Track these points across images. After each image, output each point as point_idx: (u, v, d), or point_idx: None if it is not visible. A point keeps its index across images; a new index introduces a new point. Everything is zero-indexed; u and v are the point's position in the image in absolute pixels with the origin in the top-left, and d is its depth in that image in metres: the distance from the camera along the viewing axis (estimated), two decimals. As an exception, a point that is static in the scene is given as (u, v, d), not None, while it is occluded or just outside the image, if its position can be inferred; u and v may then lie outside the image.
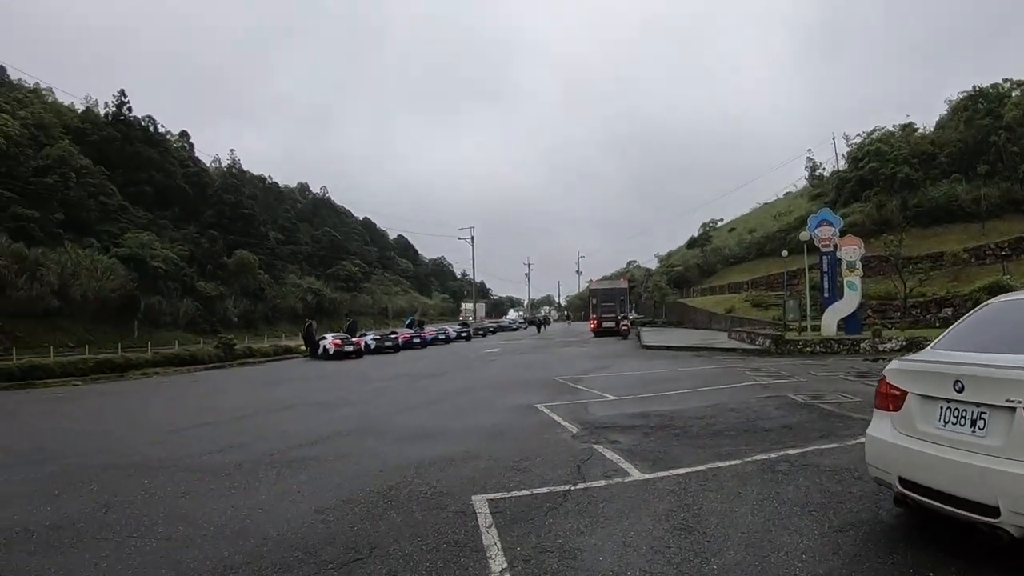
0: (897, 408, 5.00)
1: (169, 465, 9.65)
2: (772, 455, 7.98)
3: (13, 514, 7.12)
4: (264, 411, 16.33)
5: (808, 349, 24.88)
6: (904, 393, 4.95)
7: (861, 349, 23.82)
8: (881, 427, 5.15)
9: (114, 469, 9.55)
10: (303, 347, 46.33)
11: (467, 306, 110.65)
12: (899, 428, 4.93)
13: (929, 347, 5.50)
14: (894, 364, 5.31)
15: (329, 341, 41.54)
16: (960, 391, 4.44)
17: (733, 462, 7.77)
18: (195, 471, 9.14)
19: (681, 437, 9.51)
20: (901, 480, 4.79)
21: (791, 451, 8.13)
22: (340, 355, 40.12)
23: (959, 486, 4.30)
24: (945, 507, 4.42)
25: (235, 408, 17.26)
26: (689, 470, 7.52)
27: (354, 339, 43.58)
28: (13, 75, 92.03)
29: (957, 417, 4.47)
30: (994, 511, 4.03)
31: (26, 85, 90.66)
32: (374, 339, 47.38)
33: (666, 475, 7.38)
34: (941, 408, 4.60)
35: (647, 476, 7.41)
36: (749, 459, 7.84)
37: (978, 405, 4.33)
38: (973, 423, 4.34)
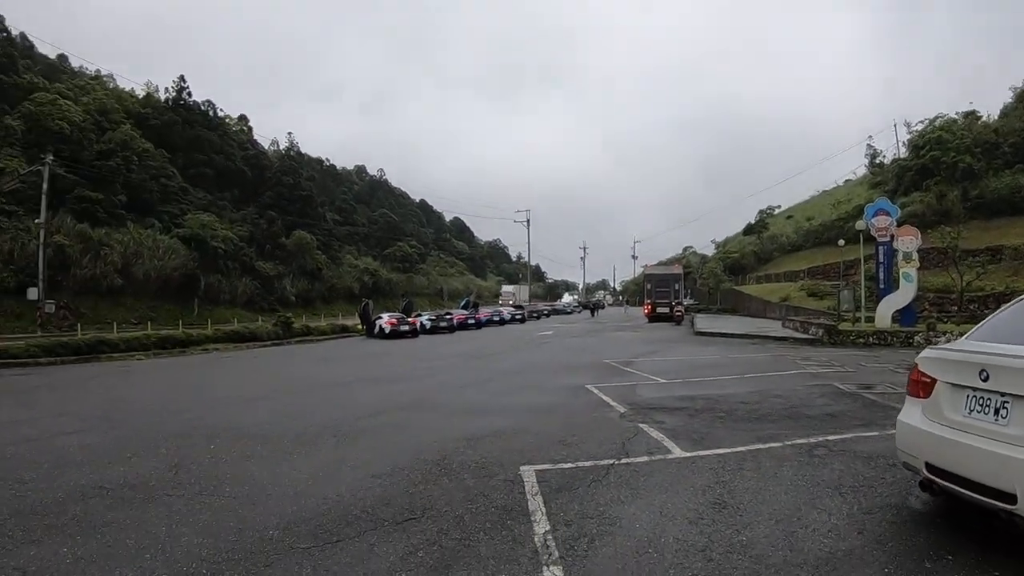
0: (927, 395, 5.10)
1: (233, 433, 10.20)
2: (811, 440, 8.19)
3: (89, 474, 7.66)
4: (322, 386, 16.87)
5: (861, 340, 24.65)
6: (934, 381, 5.06)
7: (915, 342, 23.30)
8: (911, 413, 5.26)
9: (182, 435, 10.08)
10: (359, 326, 46.58)
11: (507, 288, 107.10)
12: (928, 415, 5.04)
13: (964, 337, 5.61)
14: (926, 352, 5.41)
15: (385, 320, 41.89)
16: (985, 380, 4.54)
17: (773, 445, 8.01)
18: (258, 438, 9.66)
19: (725, 420, 9.78)
20: (928, 466, 4.90)
21: (830, 437, 8.32)
22: (396, 334, 40.47)
23: (980, 473, 4.41)
24: (967, 493, 4.53)
25: (295, 383, 17.88)
26: (729, 450, 7.80)
27: (409, 319, 43.93)
28: (75, 63, 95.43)
29: (982, 405, 4.58)
30: (1011, 498, 4.14)
31: (88, 72, 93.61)
32: (429, 319, 47.70)
33: (706, 454, 7.67)
34: (967, 396, 4.71)
35: (688, 454, 7.72)
36: (788, 443, 8.07)
37: (1001, 394, 4.43)
38: (996, 412, 4.45)
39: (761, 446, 7.96)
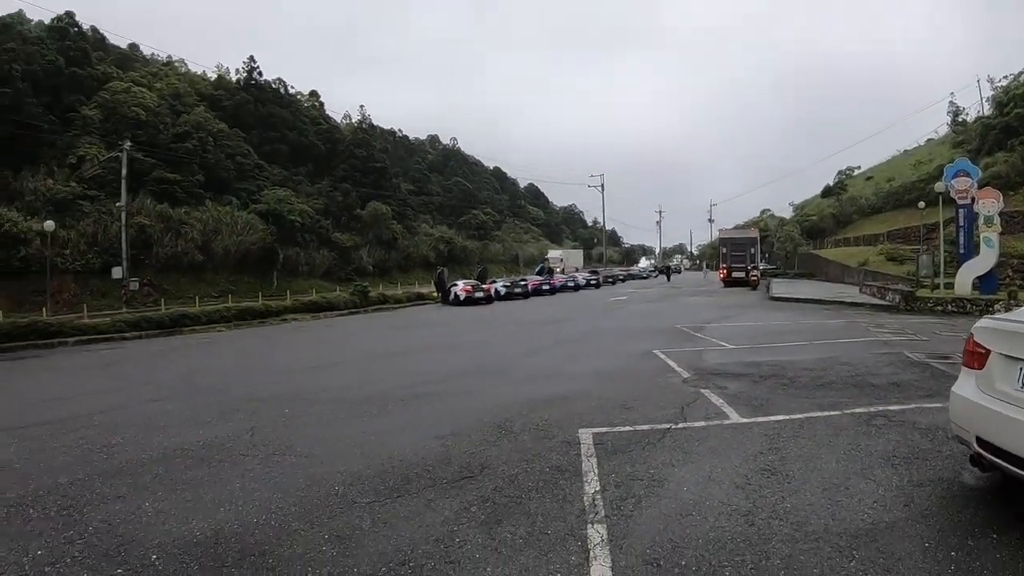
0: (981, 367, 4.91)
1: (307, 398, 10.73)
2: (872, 409, 8.12)
3: (170, 437, 8.22)
4: (394, 353, 17.31)
5: (939, 308, 23.93)
6: (988, 352, 4.86)
7: (995, 311, 21.98)
8: (965, 385, 5.05)
9: (257, 400, 10.65)
10: (435, 293, 47.18)
11: (553, 254, 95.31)
12: (981, 387, 4.85)
13: None
14: (982, 322, 5.19)
15: (460, 287, 42.25)
16: None
17: (831, 413, 7.99)
18: (330, 402, 10.16)
19: (788, 387, 9.78)
20: (978, 440, 4.72)
21: (892, 407, 8.23)
22: (470, 301, 40.87)
23: None
24: (1013, 469, 4.37)
25: (368, 350, 18.38)
26: (786, 417, 7.84)
27: (484, 286, 44.29)
28: (146, 51, 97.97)
29: (1036, 380, 4.36)
30: None
31: (159, 59, 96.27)
32: (504, 286, 48.00)
33: (763, 420, 7.75)
34: (1021, 369, 4.50)
35: (745, 420, 7.81)
36: (848, 411, 8.03)
37: None
38: (1049, 386, 4.22)
39: (820, 414, 7.96)
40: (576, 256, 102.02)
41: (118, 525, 5.26)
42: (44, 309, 36.06)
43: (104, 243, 48.32)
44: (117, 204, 44.24)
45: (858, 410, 8.09)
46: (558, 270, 73.21)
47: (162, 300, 44.64)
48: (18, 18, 70.39)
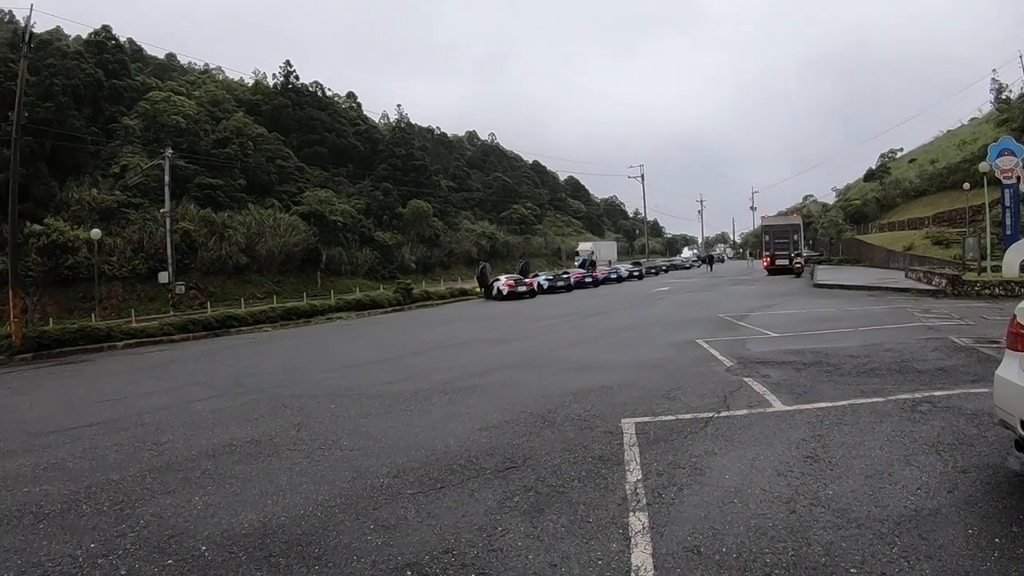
0: None
1: (353, 393, 10.94)
2: (917, 395, 8.03)
3: (219, 434, 8.48)
4: (439, 347, 17.50)
5: (986, 291, 23.33)
6: None
7: None
8: (1009, 368, 4.88)
9: (305, 397, 10.91)
10: (478, 289, 47.45)
11: (584, 246, 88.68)
12: None
13: None
14: None
15: (503, 282, 42.49)
16: None
17: (875, 399, 7.93)
18: (375, 397, 10.37)
19: (832, 374, 9.71)
20: (1023, 423, 4.59)
21: (937, 393, 8.12)
22: (513, 295, 41.07)
23: None
24: None
25: (412, 346, 18.53)
26: (830, 404, 7.80)
27: (527, 280, 44.40)
28: (183, 60, 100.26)
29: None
30: None
31: (197, 67, 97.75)
32: (546, 279, 47.99)
33: (806, 408, 7.72)
34: None
35: (788, 408, 7.79)
36: (892, 398, 7.97)
37: None
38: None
39: (863, 401, 7.90)
40: (608, 248, 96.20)
41: (168, 518, 5.45)
42: (93, 315, 36.94)
43: (150, 249, 49.40)
44: (161, 211, 44.98)
45: (902, 396, 8.01)
46: (595, 260, 71.64)
47: (208, 302, 45.71)
48: (56, 34, 72.15)
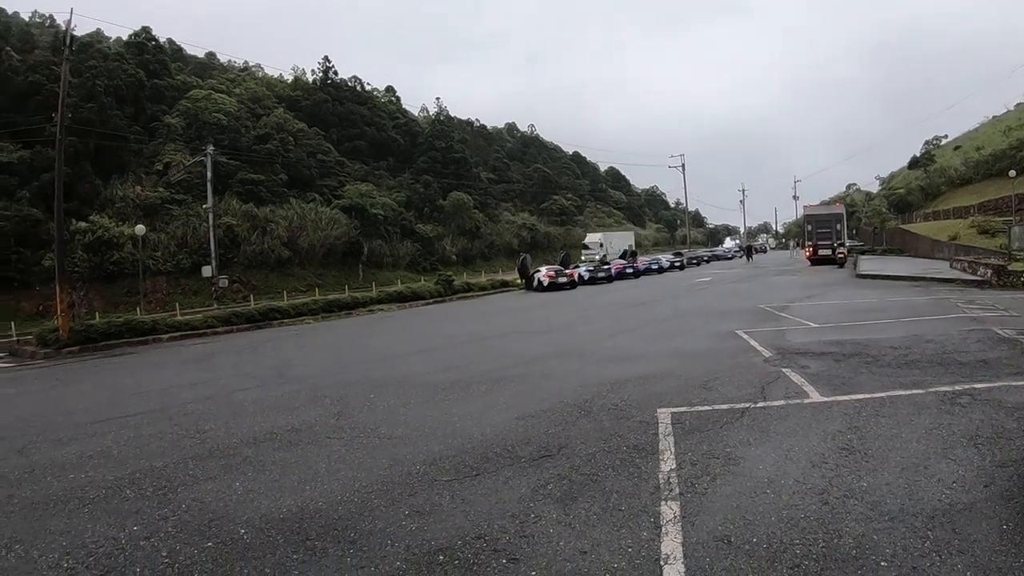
0: None
1: (392, 383, 11.12)
2: (957, 388, 7.90)
3: (260, 423, 8.69)
4: (479, 338, 17.67)
5: (1034, 282, 22.90)
6: None
7: None
8: None
9: (345, 387, 11.11)
10: (518, 280, 47.45)
11: (592, 237, 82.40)
12: None
13: None
14: None
15: (543, 273, 42.37)
16: None
17: (914, 391, 7.84)
18: (414, 387, 10.52)
19: (871, 365, 9.62)
20: None
21: (978, 385, 7.99)
22: (554, 286, 40.88)
23: None
24: None
25: (453, 336, 18.72)
26: (868, 396, 7.73)
27: (567, 271, 44.18)
28: (222, 59, 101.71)
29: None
30: None
31: (236, 65, 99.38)
32: (587, 270, 47.79)
33: (844, 399, 7.66)
34: None
35: (825, 399, 7.75)
36: (932, 390, 7.86)
37: None
38: None
39: (902, 392, 7.82)
40: (622, 238, 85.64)
41: (209, 503, 5.63)
42: (138, 308, 37.72)
43: (193, 244, 50.47)
44: (204, 206, 45.71)
45: (942, 388, 7.91)
46: (597, 257, 65.27)
47: (251, 296, 46.40)
48: (96, 37, 73.83)
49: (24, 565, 4.66)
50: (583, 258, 68.39)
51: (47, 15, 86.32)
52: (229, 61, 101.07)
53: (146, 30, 72.43)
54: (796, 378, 8.99)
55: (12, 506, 5.97)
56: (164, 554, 4.67)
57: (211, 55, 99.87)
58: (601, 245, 75.98)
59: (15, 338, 29.67)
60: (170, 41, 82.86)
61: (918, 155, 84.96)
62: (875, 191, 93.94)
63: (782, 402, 7.73)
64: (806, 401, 7.75)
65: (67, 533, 5.19)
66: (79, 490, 6.28)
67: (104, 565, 4.56)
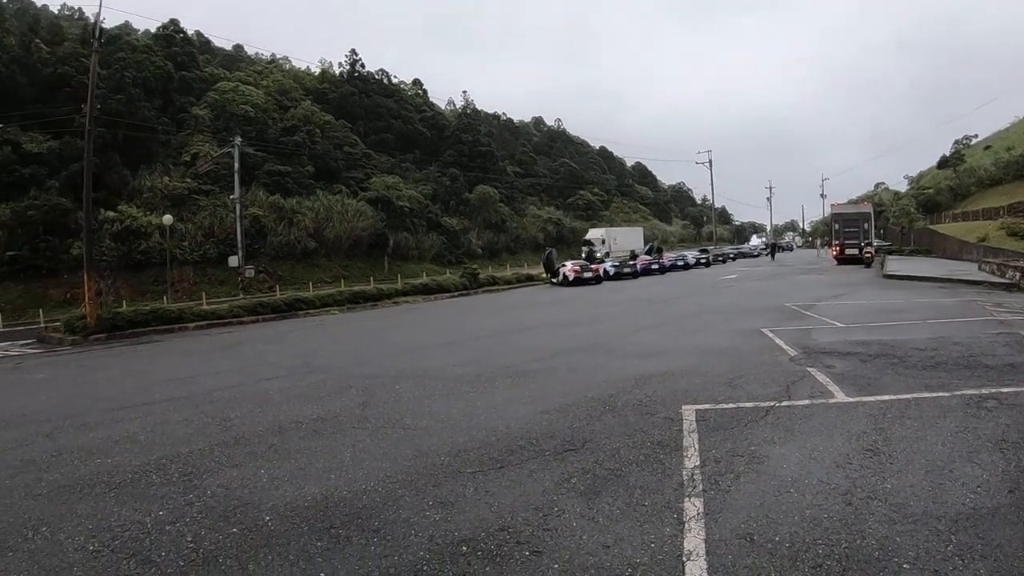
0: None
1: (417, 375, 11.22)
2: (984, 391, 7.84)
3: (285, 411, 8.82)
4: (504, 332, 17.72)
5: (1064, 286, 22.50)
6: None
7: None
8: None
9: (370, 378, 11.21)
10: (544, 274, 47.39)
11: (594, 232, 74.82)
12: None
13: None
14: None
15: (568, 268, 42.32)
16: None
17: (940, 394, 7.78)
18: (439, 379, 10.61)
19: (897, 366, 9.55)
20: None
21: (1005, 389, 7.92)
22: (579, 281, 40.83)
23: None
24: None
25: (477, 330, 18.80)
26: (893, 397, 7.70)
27: (593, 266, 44.14)
28: (250, 51, 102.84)
29: None
30: None
31: (264, 58, 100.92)
32: (613, 266, 47.63)
33: (869, 400, 7.64)
34: None
35: (850, 400, 7.73)
36: (958, 392, 7.80)
37: None
38: None
39: (928, 395, 7.77)
40: (628, 235, 78.90)
41: (234, 490, 5.74)
42: (165, 297, 38.33)
43: (220, 234, 51.16)
44: (231, 197, 46.14)
45: (968, 392, 7.84)
46: (599, 254, 60.68)
47: (277, 286, 46.95)
48: (125, 29, 74.84)
49: (50, 547, 4.77)
50: (583, 252, 62.86)
51: (76, 8, 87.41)
52: (256, 54, 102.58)
53: (174, 23, 73.44)
54: (821, 378, 8.96)
55: (40, 489, 6.12)
56: (189, 539, 4.76)
57: (239, 48, 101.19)
58: (603, 242, 70.58)
59: (43, 325, 30.19)
60: (198, 34, 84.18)
61: (947, 155, 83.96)
62: (904, 190, 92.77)
63: (807, 401, 7.72)
64: (831, 401, 7.73)
65: (93, 516, 5.31)
66: (105, 474, 6.42)
67: (130, 548, 4.67)
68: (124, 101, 53.00)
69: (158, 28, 73.43)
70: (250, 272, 45.51)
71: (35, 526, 5.18)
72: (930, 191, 76.38)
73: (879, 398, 7.71)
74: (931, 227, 63.36)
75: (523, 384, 9.72)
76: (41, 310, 38.26)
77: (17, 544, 4.86)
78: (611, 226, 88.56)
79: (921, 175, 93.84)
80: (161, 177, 54.31)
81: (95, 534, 4.94)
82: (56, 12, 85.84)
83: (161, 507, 5.41)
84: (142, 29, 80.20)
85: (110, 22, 69.61)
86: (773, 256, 71.58)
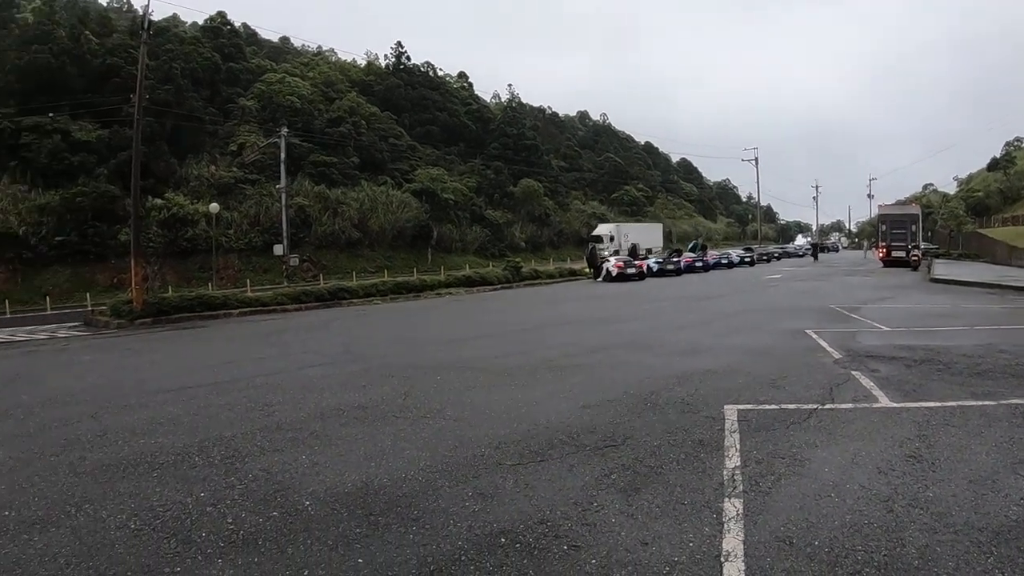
0: None
1: (459, 366, 11.35)
2: (1031, 401, 7.69)
3: (327, 398, 8.97)
4: (546, 325, 17.81)
5: (1117, 295, 21.88)
6: None
7: None
8: None
9: (412, 368, 11.35)
10: (587, 269, 47.29)
11: (603, 228, 70.53)
12: None
13: None
14: None
15: (612, 263, 42.35)
16: None
17: (986, 402, 7.65)
18: (481, 371, 10.73)
19: (943, 373, 9.42)
20: None
21: (1052, 400, 7.75)
22: (622, 277, 40.82)
23: None
24: None
25: (519, 323, 18.94)
26: (938, 404, 7.59)
27: (636, 262, 44.12)
28: (296, 43, 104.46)
29: None
30: None
31: (310, 50, 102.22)
32: (656, 262, 47.54)
33: (913, 406, 7.55)
34: None
35: (894, 405, 7.65)
36: (1004, 401, 7.66)
37: None
38: None
39: (973, 403, 7.65)
40: (647, 232, 74.26)
41: (275, 474, 5.87)
42: (210, 284, 38.95)
43: (265, 223, 51.87)
44: (277, 186, 46.80)
45: (1015, 401, 7.70)
46: (605, 252, 56.56)
47: (321, 275, 47.47)
48: (173, 21, 76.00)
49: (92, 524, 4.93)
50: (586, 254, 57.95)
51: (124, 0, 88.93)
52: (303, 45, 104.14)
53: (221, 15, 74.50)
54: (865, 381, 8.87)
55: (84, 467, 6.32)
56: (230, 520, 4.89)
57: (285, 39, 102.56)
58: (612, 239, 65.68)
59: (90, 308, 30.84)
60: (245, 26, 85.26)
61: (998, 156, 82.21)
62: (952, 192, 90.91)
63: (850, 405, 7.67)
64: (875, 406, 7.66)
65: (135, 496, 5.47)
66: (149, 455, 6.60)
67: (171, 528, 4.81)
68: (172, 91, 53.94)
69: (206, 20, 74.60)
70: (295, 261, 46.09)
71: (78, 503, 5.35)
72: (979, 194, 74.99)
73: (923, 404, 7.61)
74: (979, 231, 62.05)
75: (565, 378, 9.78)
76: (88, 294, 39.26)
77: (60, 520, 5.03)
78: (642, 220, 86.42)
79: (970, 177, 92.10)
80: (208, 166, 55.18)
81: (137, 513, 5.10)
82: (104, 4, 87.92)
83: (203, 488, 5.57)
84: (190, 21, 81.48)
85: (158, 14, 71.22)
86: (816, 257, 69.07)
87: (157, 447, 6.89)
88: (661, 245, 70.43)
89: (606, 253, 56.73)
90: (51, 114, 47.90)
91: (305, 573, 4.07)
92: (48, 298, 38.80)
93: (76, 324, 25.96)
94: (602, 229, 69.99)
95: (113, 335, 21.28)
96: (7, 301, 37.93)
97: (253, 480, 5.74)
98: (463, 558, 4.18)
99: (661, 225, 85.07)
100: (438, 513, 4.88)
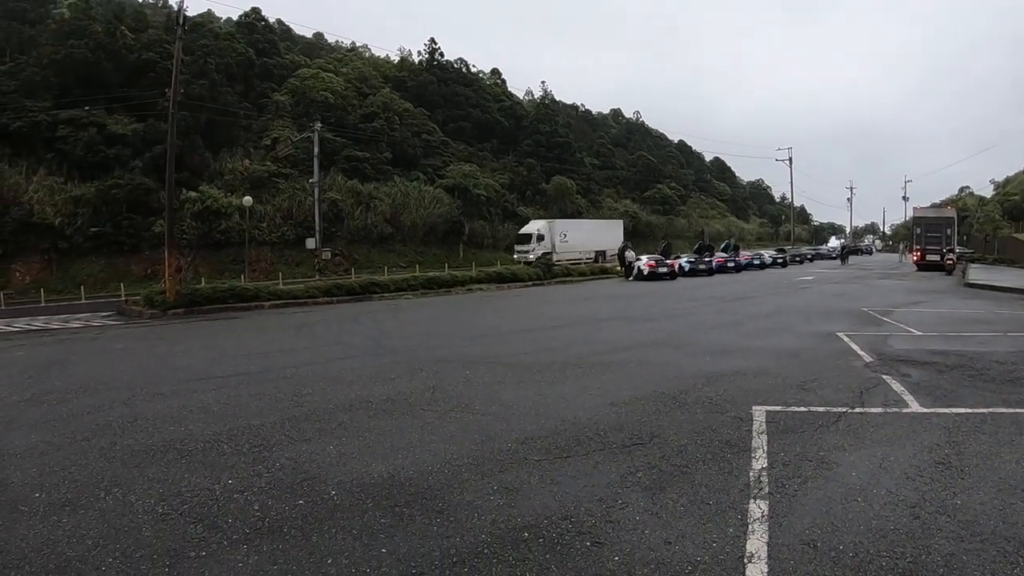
0: None
1: (489, 361, 11.43)
2: (1064, 410, 7.57)
3: (356, 390, 9.11)
4: (577, 323, 17.78)
5: None
6: None
7: None
8: None
9: (441, 362, 11.45)
10: (618, 268, 47.32)
11: (534, 225, 61.43)
12: None
13: None
14: None
15: (644, 262, 42.13)
16: None
17: (1018, 410, 7.54)
18: (510, 366, 10.77)
19: (975, 379, 9.30)
20: None
21: (1087, 410, 7.62)
22: (654, 276, 40.68)
23: None
24: None
25: (549, 319, 18.93)
26: (969, 411, 7.51)
27: (668, 261, 43.82)
28: (330, 39, 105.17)
29: None
30: None
31: (344, 46, 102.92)
32: (688, 262, 47.11)
33: (944, 412, 7.48)
34: None
35: (925, 410, 7.57)
36: (1036, 410, 7.54)
37: None
38: None
39: (1005, 410, 7.54)
40: (596, 230, 67.23)
41: (303, 463, 5.97)
42: (242, 276, 39.47)
43: (298, 217, 52.53)
44: (310, 181, 47.07)
45: (1048, 410, 7.58)
46: (532, 256, 53.86)
47: (352, 269, 47.79)
48: (207, 17, 76.71)
49: (120, 507, 5.07)
50: (516, 253, 58.64)
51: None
52: (336, 41, 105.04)
53: (256, 11, 75.37)
54: (896, 386, 8.80)
55: (114, 452, 6.48)
56: (256, 508, 4.99)
57: (319, 35, 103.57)
58: (541, 238, 59.03)
59: (124, 298, 31.44)
60: (279, 21, 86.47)
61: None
62: (989, 195, 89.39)
63: (880, 409, 7.61)
64: (905, 411, 7.59)
65: (164, 481, 5.60)
66: (178, 442, 6.75)
67: (197, 513, 4.92)
68: (207, 86, 54.73)
69: (240, 16, 75.60)
70: (327, 254, 46.36)
71: (108, 487, 5.49)
72: (1016, 197, 73.51)
73: (954, 410, 7.54)
74: (1016, 235, 61.03)
75: (593, 375, 9.80)
76: (122, 284, 39.91)
77: (89, 503, 5.17)
78: (603, 218, 78.11)
79: (1008, 180, 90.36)
80: (242, 160, 55.84)
81: (165, 498, 5.22)
82: (140, 1, 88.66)
83: (230, 476, 5.68)
84: (224, 17, 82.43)
85: (193, 10, 72.08)
86: (844, 260, 65.71)
87: (187, 434, 7.03)
88: (622, 240, 58.27)
89: (540, 252, 54.66)
90: (87, 108, 48.80)
91: (329, 561, 4.14)
92: (83, 288, 39.60)
93: (110, 314, 26.38)
94: (533, 226, 61.78)
95: (146, 325, 21.61)
96: (42, 290, 38.79)
97: (280, 469, 5.84)
98: (486, 551, 4.23)
99: (621, 222, 74.25)
100: (462, 506, 4.93)
